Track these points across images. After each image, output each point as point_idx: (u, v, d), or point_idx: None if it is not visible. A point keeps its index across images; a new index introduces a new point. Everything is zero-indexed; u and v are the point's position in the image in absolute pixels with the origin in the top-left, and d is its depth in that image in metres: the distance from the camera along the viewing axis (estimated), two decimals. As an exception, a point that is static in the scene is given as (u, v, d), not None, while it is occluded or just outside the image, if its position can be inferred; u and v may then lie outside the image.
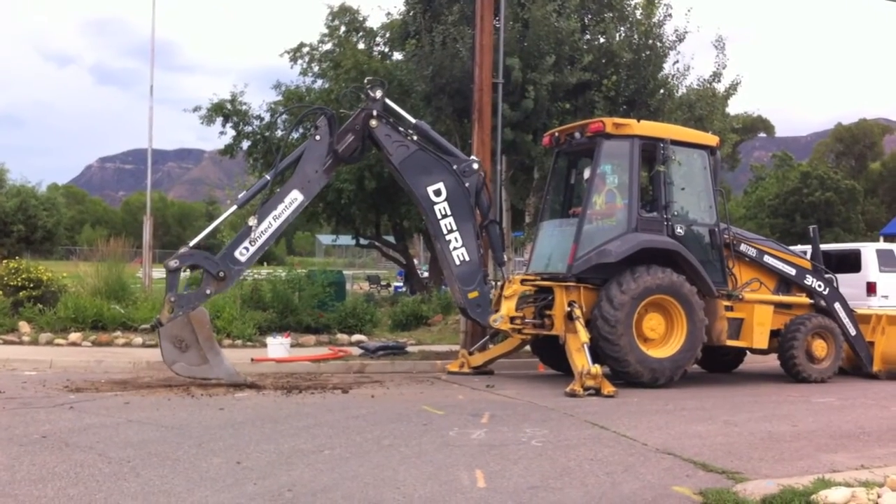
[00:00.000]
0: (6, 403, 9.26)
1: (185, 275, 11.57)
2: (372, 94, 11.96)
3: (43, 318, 15.34)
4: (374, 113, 11.87)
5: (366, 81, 12.65)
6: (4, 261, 18.26)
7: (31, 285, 16.15)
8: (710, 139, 13.16)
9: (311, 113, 12.86)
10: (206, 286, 11.11)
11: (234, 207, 11.93)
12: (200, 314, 11.02)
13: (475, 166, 12.25)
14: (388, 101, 12.19)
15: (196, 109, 23.65)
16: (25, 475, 6.07)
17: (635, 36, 17.55)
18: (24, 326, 15.21)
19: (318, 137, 11.73)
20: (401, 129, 12.09)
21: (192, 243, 11.51)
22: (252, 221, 11.22)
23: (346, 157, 11.99)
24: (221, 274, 11.03)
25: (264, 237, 11.27)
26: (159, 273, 17.27)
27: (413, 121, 12.35)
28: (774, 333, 12.79)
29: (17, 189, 23.34)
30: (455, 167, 12.10)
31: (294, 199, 11.49)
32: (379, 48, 24.31)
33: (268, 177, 11.67)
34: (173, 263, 11.02)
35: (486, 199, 12.42)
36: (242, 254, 11.17)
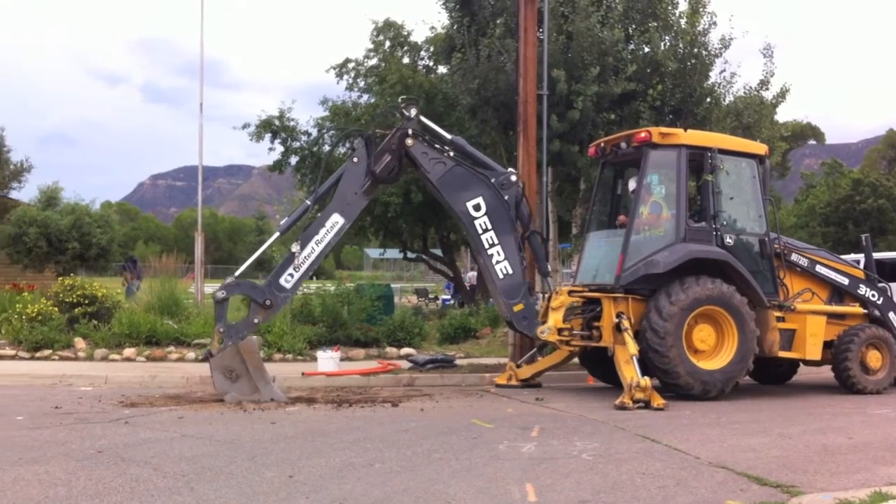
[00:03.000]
0: (63, 419, 9.45)
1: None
2: (407, 113, 12.04)
3: (98, 333, 15.63)
4: (410, 132, 11.94)
5: (400, 100, 12.74)
6: (60, 278, 18.67)
7: (87, 302, 16.48)
8: (759, 147, 13.03)
9: (350, 134, 12.98)
10: (254, 315, 11.25)
11: (277, 234, 12.09)
12: (249, 343, 11.13)
13: (513, 178, 12.26)
14: (423, 118, 12.25)
15: (245, 126, 23.99)
16: (82, 490, 6.17)
17: (680, 45, 17.44)
18: (79, 342, 15.52)
19: (355, 159, 11.83)
20: (437, 145, 12.14)
21: (237, 273, 11.68)
22: (295, 247, 11.34)
23: (385, 177, 12.05)
24: (268, 302, 11.17)
25: (308, 262, 11.39)
26: (211, 288, 17.50)
27: (449, 137, 12.40)
28: (828, 344, 12.56)
29: (71, 207, 23.72)
30: (493, 180, 12.12)
31: (335, 222, 11.60)
32: (423, 62, 24.45)
33: (308, 202, 11.81)
34: (220, 294, 11.16)
35: (527, 210, 12.42)
36: (287, 280, 11.30)
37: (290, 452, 7.64)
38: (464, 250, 35.36)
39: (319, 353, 13.91)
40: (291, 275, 11.31)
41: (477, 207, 12.03)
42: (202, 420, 9.54)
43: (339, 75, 24.35)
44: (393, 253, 33.13)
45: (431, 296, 37.27)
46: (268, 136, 23.55)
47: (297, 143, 23.80)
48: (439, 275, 32.19)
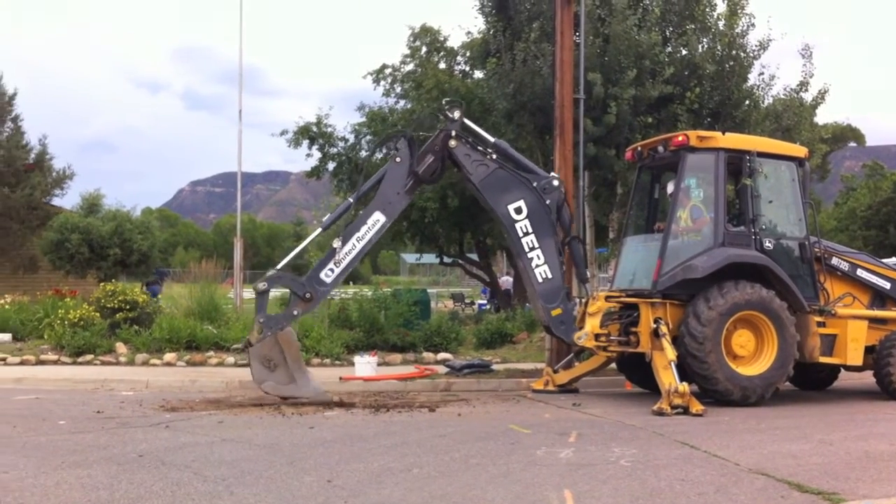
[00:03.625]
0: (105, 423, 9.60)
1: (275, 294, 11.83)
2: (450, 115, 12.11)
3: (139, 338, 15.83)
4: (454, 133, 12.00)
5: (444, 102, 12.80)
6: (101, 283, 18.94)
7: (128, 307, 16.70)
8: (799, 150, 12.89)
9: (392, 136, 13.09)
10: (294, 307, 11.39)
11: (319, 230, 12.27)
12: (288, 334, 11.29)
13: (556, 183, 12.26)
14: (466, 120, 12.31)
15: (283, 133, 24.18)
16: (124, 494, 6.26)
17: (718, 47, 17.33)
18: (120, 347, 15.73)
19: (398, 160, 11.91)
20: (480, 148, 12.19)
21: (279, 266, 11.85)
22: (336, 243, 11.46)
23: (427, 178, 12.15)
24: (308, 295, 11.29)
25: (348, 258, 11.50)
26: (250, 294, 17.68)
27: (492, 140, 12.44)
28: (869, 349, 12.38)
29: (112, 213, 24.04)
30: (535, 184, 12.13)
31: (377, 220, 11.69)
32: (460, 67, 24.48)
33: (350, 199, 11.93)
34: (262, 286, 11.34)
35: (568, 215, 12.41)
36: (328, 275, 11.41)
37: (328, 457, 7.70)
38: (500, 255, 35.33)
39: (357, 358, 13.98)
40: (332, 269, 11.43)
41: (518, 210, 12.05)
42: (242, 424, 9.64)
43: (376, 81, 24.46)
44: (429, 258, 33.15)
45: (467, 300, 37.27)
46: (305, 142, 23.71)
47: (335, 149, 23.93)
48: (475, 279, 32.16)
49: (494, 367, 14.75)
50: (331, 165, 24.14)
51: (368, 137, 23.84)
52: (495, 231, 23.95)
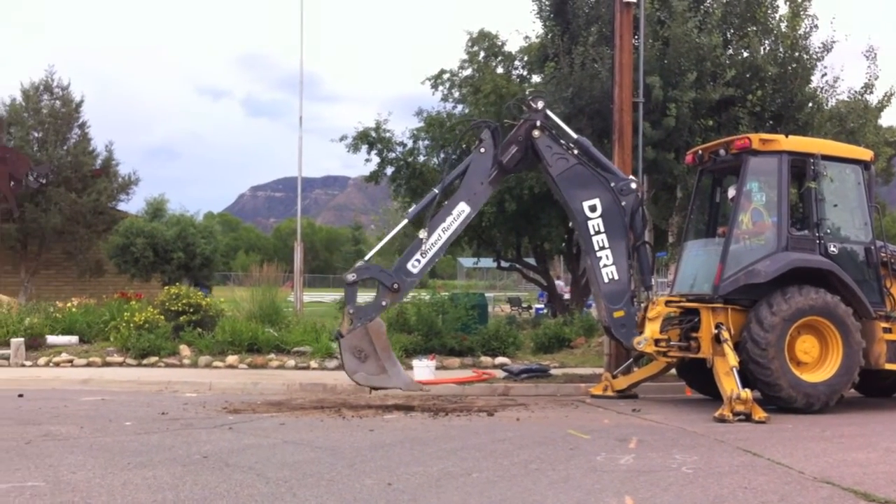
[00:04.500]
0: (170, 424, 9.78)
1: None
2: (534, 105, 12.16)
3: (202, 341, 16.10)
4: (538, 123, 12.06)
5: (527, 93, 12.81)
6: (165, 287, 19.31)
7: (191, 310, 17.00)
8: (864, 153, 12.63)
9: (475, 127, 13.22)
10: (382, 298, 11.49)
11: (405, 221, 12.39)
12: (377, 325, 11.38)
13: (633, 185, 12.20)
14: (549, 112, 12.35)
15: (343, 139, 24.40)
16: (189, 494, 6.36)
17: (780, 49, 17.10)
18: (184, 350, 16.02)
19: (482, 150, 11.99)
20: (562, 141, 12.21)
21: (367, 258, 12.00)
22: (422, 234, 11.56)
23: (511, 167, 12.24)
24: (396, 286, 11.40)
25: (434, 249, 11.60)
26: (310, 297, 17.89)
27: (575, 136, 12.44)
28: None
29: (176, 218, 24.49)
30: (613, 185, 12.09)
31: (462, 210, 11.78)
32: (517, 72, 24.44)
33: (435, 190, 11.99)
34: (351, 277, 11.48)
35: (642, 220, 12.33)
36: (414, 266, 11.53)
37: (388, 460, 7.75)
38: (557, 259, 35.17)
39: (415, 362, 14.05)
40: (419, 260, 11.53)
41: (593, 208, 12.03)
42: (303, 427, 9.74)
43: (434, 86, 24.55)
44: (486, 262, 33.14)
45: (524, 305, 37.15)
46: (364, 147, 23.89)
47: (393, 154, 24.07)
48: (532, 284, 32.04)
49: (552, 371, 14.71)
50: (389, 170, 24.27)
51: (426, 142, 23.94)
52: (553, 235, 23.88)
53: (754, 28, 17.21)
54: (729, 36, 17.54)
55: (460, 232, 12.04)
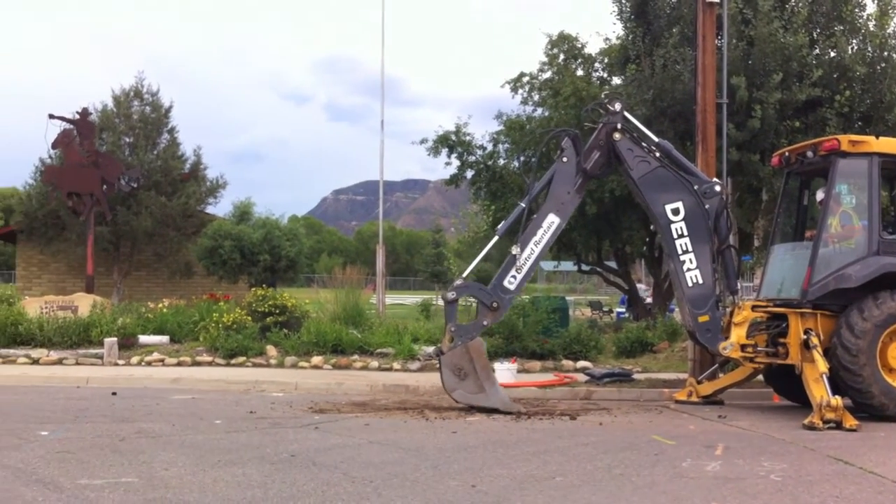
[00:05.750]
0: (258, 423, 10.02)
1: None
2: (611, 108, 12.10)
3: (288, 342, 16.40)
4: (618, 126, 12.01)
5: (603, 95, 12.74)
6: (252, 288, 19.73)
7: (277, 311, 17.35)
8: (959, 155, 12.22)
9: (556, 136, 13.19)
10: (482, 317, 11.57)
11: (496, 238, 12.37)
12: (477, 344, 11.43)
13: (717, 188, 12.03)
14: (627, 114, 12.28)
15: (423, 142, 24.58)
16: (277, 492, 6.51)
17: (868, 48, 16.70)
18: (270, 350, 16.35)
19: (564, 159, 11.98)
20: (643, 144, 12.12)
21: (464, 275, 12.11)
22: (515, 250, 11.59)
23: (595, 173, 12.24)
24: (495, 304, 11.46)
25: (528, 263, 11.64)
26: (391, 299, 18.07)
27: (656, 139, 12.34)
28: None
29: (262, 221, 24.94)
30: (696, 187, 11.95)
31: (551, 222, 11.79)
32: (598, 74, 24.27)
33: (522, 204, 11.96)
34: (450, 295, 11.56)
35: (726, 223, 12.15)
36: (511, 282, 11.57)
37: (472, 462, 7.81)
38: (638, 263, 34.80)
39: (497, 365, 14.04)
40: (514, 276, 11.58)
41: (675, 212, 11.91)
42: (387, 427, 9.87)
43: (514, 90, 24.51)
44: (566, 265, 32.93)
45: (605, 308, 36.84)
46: (444, 150, 24.02)
47: (473, 158, 24.15)
48: (613, 287, 31.75)
49: (635, 376, 14.57)
50: (469, 173, 24.35)
51: (506, 146, 23.95)
52: (635, 239, 23.65)
53: (841, 27, 16.84)
54: (815, 35, 17.20)
55: (552, 243, 12.02)
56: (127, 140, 26.89)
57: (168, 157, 26.93)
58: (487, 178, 23.82)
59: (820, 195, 11.94)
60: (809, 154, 12.02)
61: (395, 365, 15.56)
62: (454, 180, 24.93)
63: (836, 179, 11.62)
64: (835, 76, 16.50)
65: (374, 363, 15.66)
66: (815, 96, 16.10)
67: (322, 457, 7.93)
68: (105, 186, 22.91)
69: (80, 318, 17.60)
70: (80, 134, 22.84)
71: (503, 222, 12.31)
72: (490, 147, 24.22)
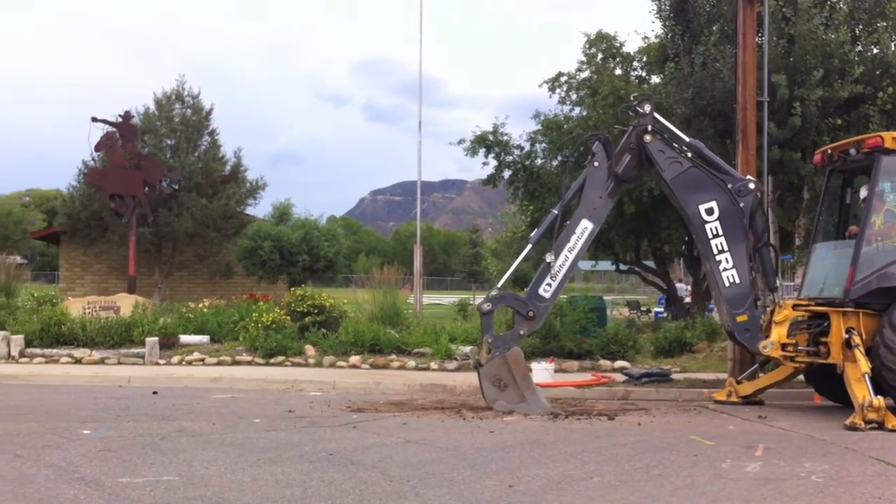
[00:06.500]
0: (296, 422, 10.09)
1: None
2: (641, 110, 12.02)
3: (326, 341, 16.51)
4: (648, 128, 11.93)
5: (632, 97, 12.67)
6: (291, 288, 19.88)
7: (316, 311, 17.47)
8: None
9: (586, 140, 13.12)
10: (519, 327, 11.54)
11: (529, 246, 12.34)
12: (516, 354, 11.40)
13: (751, 186, 11.91)
14: (657, 115, 12.19)
15: (461, 142, 24.60)
16: (316, 491, 6.54)
17: (912, 44, 16.42)
18: (309, 350, 16.47)
19: (596, 164, 11.93)
20: (675, 145, 12.04)
21: (499, 284, 12.14)
22: (549, 257, 11.55)
23: (627, 177, 12.19)
24: (531, 314, 11.43)
25: (563, 270, 11.60)
26: (429, 299, 18.11)
27: (687, 139, 12.25)
28: None
29: (301, 222, 25.14)
30: (730, 186, 11.84)
31: (585, 228, 11.75)
32: (636, 73, 24.13)
33: (555, 211, 11.91)
34: (486, 307, 11.53)
35: (762, 220, 12.03)
36: (546, 290, 11.54)
37: (509, 461, 7.81)
38: (677, 262, 34.53)
39: (534, 365, 14.04)
40: (549, 284, 11.55)
41: (710, 211, 11.82)
42: (424, 426, 9.90)
43: (552, 89, 24.42)
44: (604, 265, 32.80)
45: (643, 308, 36.61)
46: (482, 150, 24.00)
47: (510, 158, 24.10)
48: (651, 287, 31.54)
49: (674, 376, 14.47)
50: (506, 173, 24.31)
51: (544, 145, 23.88)
52: (673, 238, 23.46)
53: (884, 24, 16.59)
54: (857, 32, 16.95)
55: (586, 249, 11.96)
56: (168, 142, 27.25)
57: (209, 159, 27.24)
58: (525, 177, 23.75)
59: (863, 193, 11.78)
60: (852, 151, 11.86)
61: (433, 364, 15.60)
62: (491, 180, 24.90)
63: (879, 177, 11.45)
64: (877, 73, 16.25)
65: (412, 363, 15.73)
66: (858, 93, 15.87)
67: (360, 456, 7.96)
68: (147, 188, 23.24)
69: (121, 318, 17.84)
70: (123, 137, 23.19)
71: (536, 230, 12.27)
72: (527, 147, 24.16)
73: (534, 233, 12.34)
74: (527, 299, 11.48)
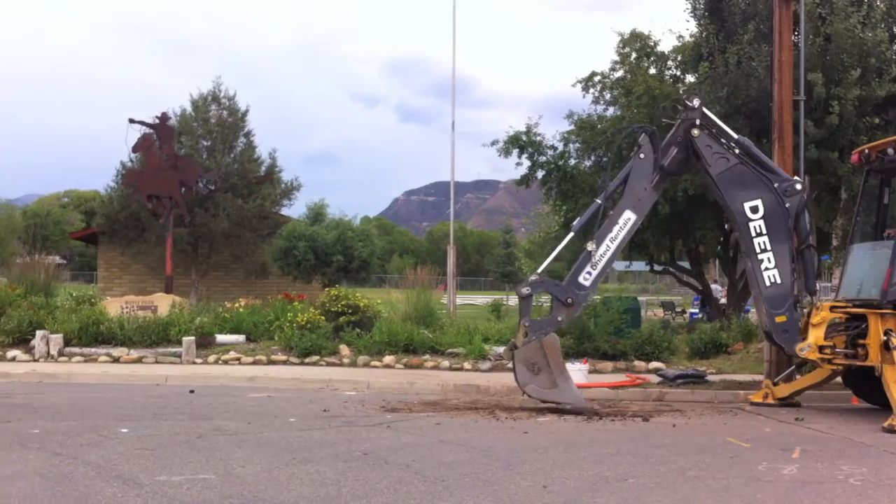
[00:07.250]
0: (331, 421, 10.16)
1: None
2: (690, 104, 12.00)
3: (360, 341, 16.59)
4: (697, 122, 11.91)
5: (681, 91, 12.61)
6: (326, 288, 19.98)
7: (350, 311, 17.55)
8: None
9: (633, 132, 13.09)
10: (557, 313, 11.57)
11: (571, 234, 12.34)
12: (552, 340, 11.46)
13: (798, 187, 11.83)
14: (706, 110, 12.14)
15: (494, 143, 24.56)
16: (350, 490, 6.60)
17: (950, 44, 16.21)
18: (343, 349, 16.56)
19: (642, 155, 11.94)
20: (723, 140, 11.98)
21: (539, 270, 12.08)
22: (591, 246, 11.59)
23: (673, 170, 12.17)
24: (569, 300, 11.47)
25: (604, 260, 11.65)
26: (462, 300, 18.13)
27: (736, 136, 12.19)
28: None
29: (335, 222, 25.23)
30: (776, 185, 11.77)
31: (628, 219, 11.77)
32: (670, 72, 23.95)
33: (598, 201, 11.94)
34: (525, 290, 11.59)
35: (807, 222, 11.93)
36: (586, 279, 11.59)
37: (543, 462, 7.82)
38: (712, 263, 34.24)
39: (568, 365, 13.97)
40: (589, 273, 11.59)
41: (754, 210, 11.76)
42: (458, 427, 9.93)
43: (585, 89, 24.30)
44: (638, 265, 32.61)
45: (678, 309, 36.39)
46: (515, 151, 23.96)
47: (543, 158, 24.04)
48: (686, 287, 31.32)
49: (709, 377, 14.37)
50: (539, 174, 24.23)
51: (577, 145, 23.80)
52: (708, 238, 23.27)
53: (922, 22, 16.40)
54: (895, 31, 16.74)
55: (628, 240, 11.95)
56: (205, 143, 27.47)
57: (244, 161, 27.43)
58: (558, 178, 23.67)
59: (901, 193, 11.64)
60: (890, 151, 11.74)
61: (466, 365, 15.62)
62: (525, 181, 24.84)
63: (918, 177, 11.33)
64: (916, 72, 16.10)
65: (445, 363, 15.76)
66: (895, 92, 15.71)
67: (394, 455, 8.01)
68: (184, 189, 23.43)
69: (159, 317, 18.03)
70: (160, 138, 23.41)
71: (578, 219, 12.27)
72: (561, 147, 24.06)
73: (576, 221, 12.34)
74: (566, 286, 11.50)
